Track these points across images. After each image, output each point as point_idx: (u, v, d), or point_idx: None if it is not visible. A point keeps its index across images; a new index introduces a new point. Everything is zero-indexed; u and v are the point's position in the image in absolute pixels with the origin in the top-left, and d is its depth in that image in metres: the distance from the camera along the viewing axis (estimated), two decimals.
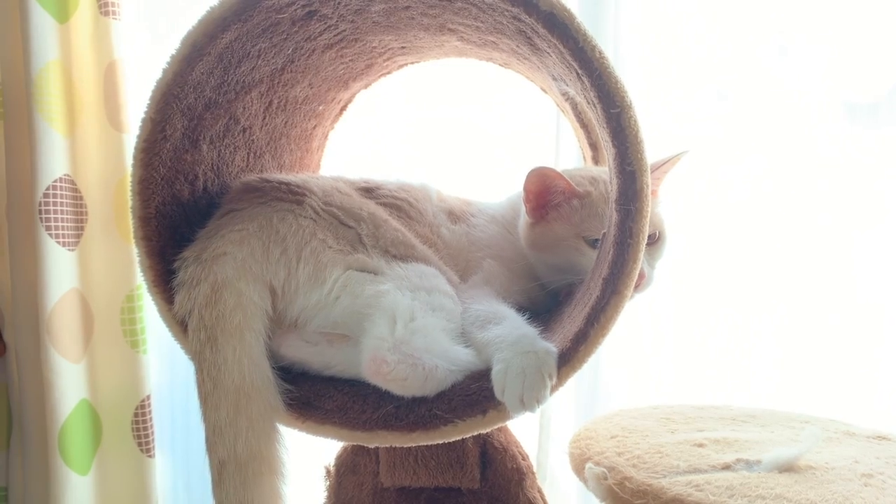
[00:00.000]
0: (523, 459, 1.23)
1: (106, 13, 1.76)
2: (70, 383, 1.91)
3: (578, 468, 1.26)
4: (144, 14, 1.92)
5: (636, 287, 1.15)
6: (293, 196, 1.05)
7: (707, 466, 1.20)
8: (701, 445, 1.28)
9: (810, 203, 1.80)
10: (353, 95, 1.46)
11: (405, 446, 1.07)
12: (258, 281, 0.96)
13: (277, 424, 0.95)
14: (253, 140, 1.19)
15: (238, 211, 1.03)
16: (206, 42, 0.95)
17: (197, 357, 0.93)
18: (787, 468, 1.19)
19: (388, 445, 0.97)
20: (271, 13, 0.98)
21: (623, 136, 0.90)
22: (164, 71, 0.95)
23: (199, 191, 1.07)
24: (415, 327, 0.95)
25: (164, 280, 0.98)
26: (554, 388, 0.92)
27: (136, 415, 1.94)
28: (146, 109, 0.96)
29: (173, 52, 0.95)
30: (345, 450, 1.26)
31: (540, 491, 1.25)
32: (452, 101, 1.85)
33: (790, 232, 1.82)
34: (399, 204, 1.21)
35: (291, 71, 1.17)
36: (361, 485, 1.23)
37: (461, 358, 0.98)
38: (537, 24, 0.91)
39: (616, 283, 0.91)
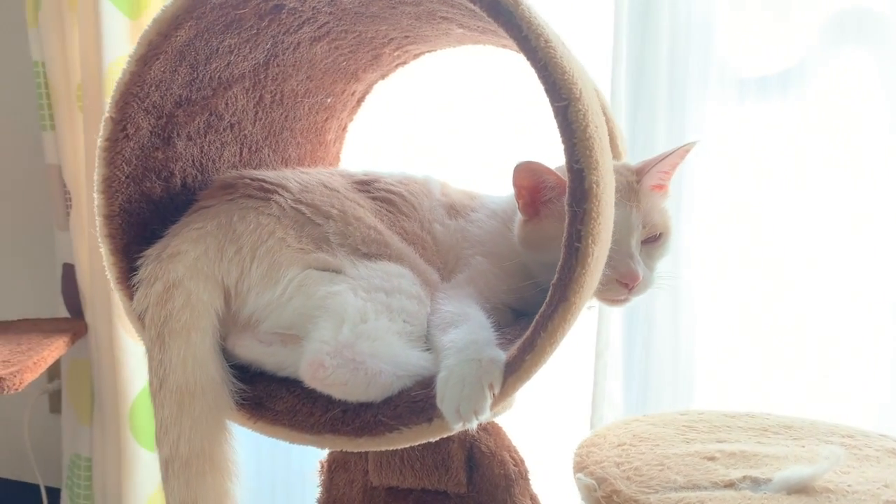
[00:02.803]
0: (515, 465, 1.19)
1: None
2: (140, 364, 2.01)
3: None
4: None
5: (630, 289, 1.09)
6: (262, 193, 1.04)
7: (708, 483, 1.11)
8: (712, 459, 1.19)
9: (880, 204, 1.65)
10: (368, 87, 1.44)
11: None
12: (209, 280, 0.96)
13: (227, 424, 0.95)
14: (245, 135, 1.19)
15: (207, 208, 1.03)
16: (161, 40, 0.95)
17: (148, 355, 0.94)
18: (799, 489, 1.09)
19: (337, 449, 0.95)
20: (228, 9, 0.97)
21: (570, 130, 0.84)
22: (123, 71, 0.97)
23: (177, 187, 1.08)
24: (362, 330, 0.93)
25: (129, 277, 1.00)
26: (498, 400, 0.88)
27: None
28: (107, 109, 0.97)
29: (131, 51, 0.96)
30: None
31: (533, 498, 1.20)
32: (499, 90, 1.79)
33: (865, 232, 1.67)
34: (392, 198, 1.19)
35: (278, 65, 1.16)
36: (352, 482, 1.22)
37: (412, 363, 0.94)
38: (482, 12, 0.86)
39: (565, 291, 0.85)
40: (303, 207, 1.04)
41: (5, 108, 2.39)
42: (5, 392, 1.71)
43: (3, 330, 2.12)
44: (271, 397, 0.97)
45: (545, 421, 1.99)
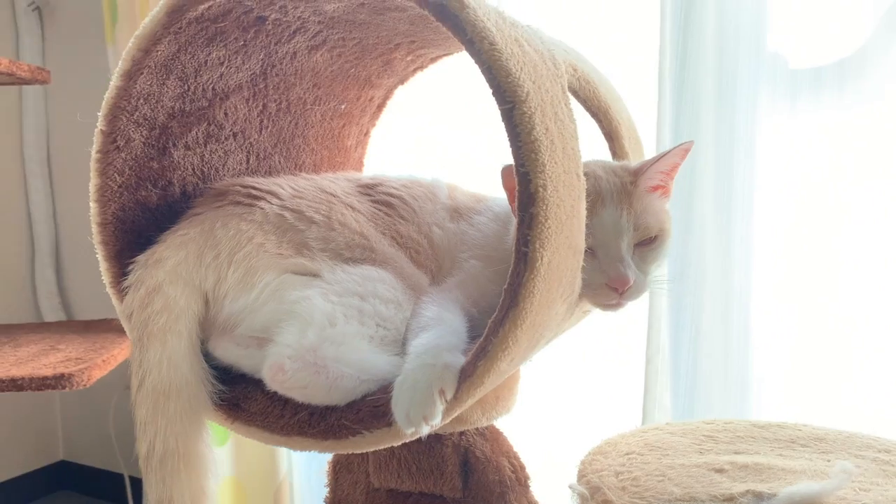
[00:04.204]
0: (513, 471, 1.17)
1: None
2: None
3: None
4: None
5: (621, 294, 1.06)
6: (249, 200, 1.07)
7: (706, 496, 1.06)
8: (720, 471, 1.14)
9: None
10: (388, 92, 1.45)
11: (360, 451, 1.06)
12: (188, 285, 1.00)
13: (204, 424, 0.99)
14: (251, 143, 1.22)
15: (197, 215, 1.07)
16: (142, 56, 0.99)
17: (132, 357, 0.99)
18: None
19: (307, 451, 0.97)
20: (206, 23, 1.00)
21: (515, 133, 0.82)
22: (111, 86, 1.02)
23: (176, 195, 1.12)
24: (329, 334, 0.94)
25: (121, 281, 1.05)
26: (453, 406, 0.87)
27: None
28: (98, 122, 1.03)
29: (117, 68, 1.01)
30: None
31: None
32: None
33: None
34: (391, 202, 1.19)
35: (277, 75, 1.19)
36: (356, 483, 1.23)
37: (378, 367, 0.95)
38: (431, 15, 0.86)
39: (514, 296, 0.84)
40: (287, 213, 1.06)
41: (90, 124, 2.54)
42: (74, 387, 1.82)
43: (84, 329, 2.26)
44: (247, 399, 1.00)
45: (599, 426, 1.95)
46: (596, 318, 1.91)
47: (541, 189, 0.82)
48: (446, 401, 0.86)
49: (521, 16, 1.87)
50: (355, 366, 0.94)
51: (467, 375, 0.87)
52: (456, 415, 0.90)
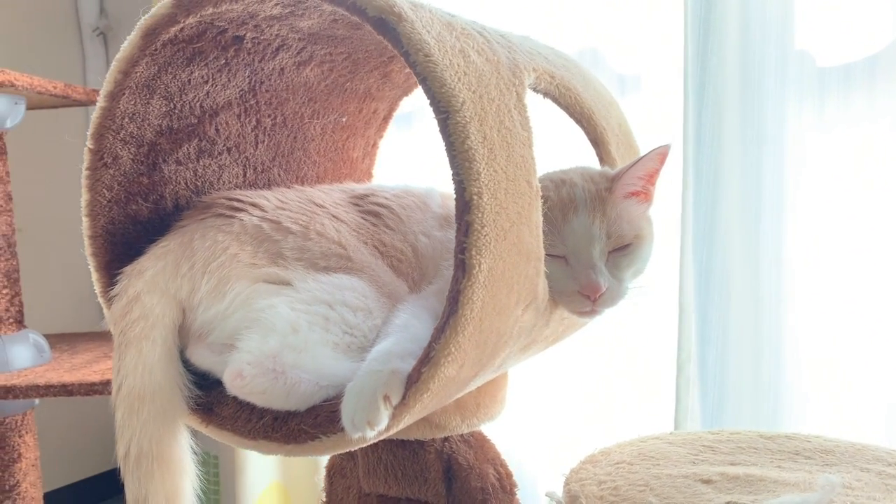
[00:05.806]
0: (497, 479, 1.17)
1: None
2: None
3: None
4: None
5: (595, 302, 1.05)
6: (231, 211, 1.11)
7: None
8: (707, 482, 1.11)
9: None
10: (392, 104, 1.47)
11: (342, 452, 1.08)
12: (164, 294, 1.04)
13: (179, 427, 1.03)
14: (247, 158, 1.27)
15: (181, 228, 1.12)
16: (123, 78, 1.04)
17: (113, 362, 1.04)
18: None
19: (273, 454, 0.99)
20: (181, 44, 1.05)
21: (449, 142, 0.84)
22: (96, 107, 1.07)
23: (168, 209, 1.17)
24: (291, 341, 0.97)
25: (110, 291, 1.10)
26: (401, 411, 0.88)
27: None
28: (87, 141, 1.08)
29: (102, 89, 1.07)
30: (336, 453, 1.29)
31: None
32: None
33: None
34: (379, 211, 1.22)
35: (267, 91, 1.23)
36: (349, 488, 1.26)
37: (338, 373, 0.97)
38: (373, 29, 0.87)
39: (454, 302, 0.85)
40: (265, 224, 1.09)
41: None
42: None
43: None
44: (220, 403, 1.03)
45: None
46: (627, 325, 1.90)
47: (475, 197, 0.83)
48: (392, 406, 0.88)
49: (540, 19, 1.88)
50: (314, 372, 0.96)
51: (413, 381, 0.88)
52: (407, 420, 0.91)
